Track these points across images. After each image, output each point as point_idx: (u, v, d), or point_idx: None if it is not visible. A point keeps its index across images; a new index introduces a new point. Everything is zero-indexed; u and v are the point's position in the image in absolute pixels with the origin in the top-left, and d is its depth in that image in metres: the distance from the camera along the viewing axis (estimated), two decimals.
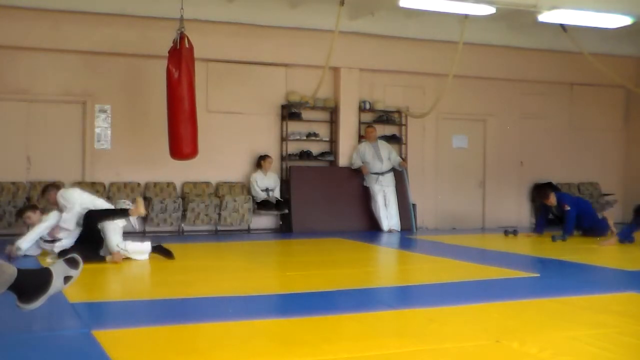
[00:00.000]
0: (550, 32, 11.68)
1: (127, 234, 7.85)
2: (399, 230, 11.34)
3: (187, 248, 9.24)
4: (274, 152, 11.44)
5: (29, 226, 7.86)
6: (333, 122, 11.87)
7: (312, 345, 3.87)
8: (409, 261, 8.65)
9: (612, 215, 10.54)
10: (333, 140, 11.85)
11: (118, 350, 3.67)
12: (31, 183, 10.18)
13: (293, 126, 11.56)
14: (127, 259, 7.32)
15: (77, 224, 7.59)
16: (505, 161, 13.03)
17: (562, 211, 10.19)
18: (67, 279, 3.86)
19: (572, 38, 10.40)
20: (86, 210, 7.43)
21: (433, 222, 12.55)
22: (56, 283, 3.78)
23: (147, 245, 7.45)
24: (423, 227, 12.23)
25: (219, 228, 10.91)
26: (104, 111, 10.57)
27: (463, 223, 12.71)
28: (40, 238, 7.55)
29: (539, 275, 6.86)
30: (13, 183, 10.08)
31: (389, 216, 11.37)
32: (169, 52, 9.45)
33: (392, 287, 6.46)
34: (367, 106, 11.96)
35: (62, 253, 7.05)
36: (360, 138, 11.81)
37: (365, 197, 11.60)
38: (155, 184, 10.76)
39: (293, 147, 11.61)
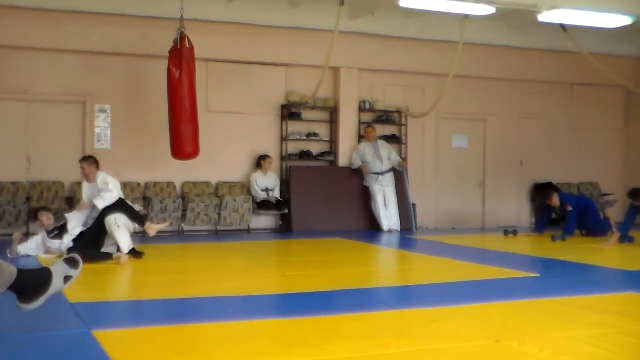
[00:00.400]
0: (550, 32, 11.68)
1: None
2: (399, 230, 11.34)
3: (187, 248, 9.26)
4: (274, 152, 11.44)
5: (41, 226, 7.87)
6: (333, 122, 11.88)
7: (312, 345, 3.87)
8: (409, 261, 8.65)
9: (613, 215, 10.53)
10: (333, 140, 11.85)
11: (118, 350, 3.67)
12: (31, 183, 10.18)
13: (293, 126, 11.56)
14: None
15: (85, 224, 7.63)
16: (505, 161, 13.03)
17: (565, 211, 10.20)
18: (67, 279, 3.86)
19: (572, 38, 10.40)
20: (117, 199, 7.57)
21: (433, 222, 12.55)
22: (56, 283, 3.78)
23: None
24: (423, 227, 12.23)
25: (219, 228, 10.91)
26: (104, 111, 10.57)
27: (463, 223, 12.71)
28: (49, 236, 7.55)
29: (539, 275, 6.86)
30: (13, 183, 10.08)
31: (389, 216, 11.37)
32: (169, 52, 9.45)
33: (392, 287, 6.46)
34: (367, 106, 11.96)
35: (71, 250, 7.20)
36: (360, 138, 11.82)
37: (365, 197, 11.60)
38: (155, 184, 10.76)
39: (293, 147, 11.61)
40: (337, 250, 8.99)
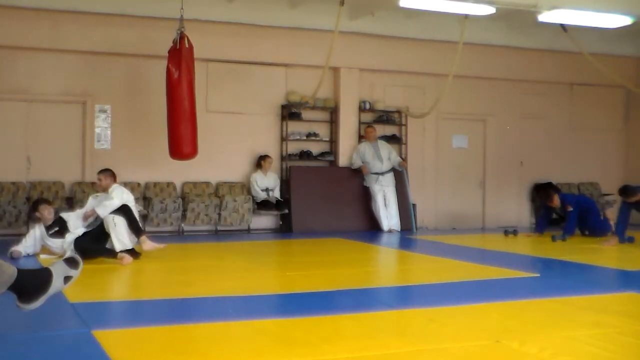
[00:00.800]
0: (550, 32, 11.68)
1: None
2: (399, 230, 11.34)
3: (187, 248, 9.25)
4: (274, 152, 11.44)
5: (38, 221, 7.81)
6: (333, 122, 11.87)
7: (312, 345, 3.87)
8: (409, 261, 8.65)
9: (613, 216, 10.52)
10: (333, 140, 11.85)
11: (118, 350, 3.67)
12: (31, 183, 10.18)
13: (293, 126, 11.56)
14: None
15: (88, 225, 7.63)
16: (505, 161, 13.03)
17: (565, 211, 10.20)
18: (67, 279, 3.85)
19: (572, 38, 10.39)
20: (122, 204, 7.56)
21: (433, 222, 12.55)
22: (56, 283, 3.78)
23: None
24: (423, 227, 12.23)
25: (219, 228, 10.91)
26: (104, 111, 10.57)
27: (463, 223, 12.71)
28: (48, 233, 7.53)
29: (539, 275, 6.86)
30: (13, 183, 10.08)
31: (389, 216, 11.37)
32: (168, 52, 9.46)
33: (392, 287, 6.46)
34: (367, 106, 11.96)
35: (77, 242, 7.27)
36: (360, 138, 11.82)
37: (365, 197, 11.60)
38: (155, 184, 10.76)
39: (293, 147, 11.61)
40: (337, 250, 8.99)
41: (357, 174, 11.60)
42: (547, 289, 6.04)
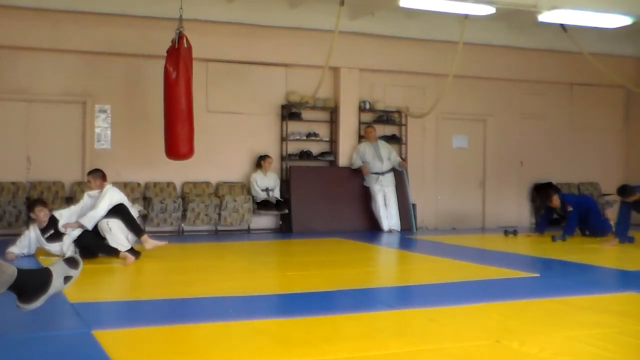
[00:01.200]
0: (550, 32, 11.68)
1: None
2: (399, 230, 11.34)
3: (187, 248, 9.25)
4: (274, 152, 11.44)
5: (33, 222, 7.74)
6: (333, 122, 11.87)
7: (312, 345, 3.87)
8: (409, 261, 8.65)
9: (613, 216, 10.52)
10: (333, 140, 11.85)
11: (118, 350, 3.67)
12: (31, 183, 10.18)
13: (293, 126, 11.56)
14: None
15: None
16: (505, 161, 13.03)
17: (565, 211, 10.20)
18: (67, 279, 3.85)
19: (572, 38, 10.39)
20: (116, 204, 7.50)
21: (433, 222, 12.55)
22: (56, 283, 3.78)
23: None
24: (423, 227, 12.23)
25: (219, 228, 10.91)
26: (104, 111, 10.57)
27: (463, 223, 12.71)
28: (44, 236, 7.51)
29: (539, 275, 6.86)
30: (13, 183, 10.08)
31: (389, 216, 11.37)
32: (167, 51, 9.45)
33: (392, 287, 6.46)
34: (367, 106, 11.96)
35: (79, 239, 7.25)
36: (360, 138, 11.82)
37: (365, 197, 11.60)
38: (155, 184, 10.76)
39: (293, 147, 11.61)
40: (337, 250, 8.99)
41: (357, 174, 11.60)
42: (547, 289, 6.03)
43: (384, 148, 11.57)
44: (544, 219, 10.81)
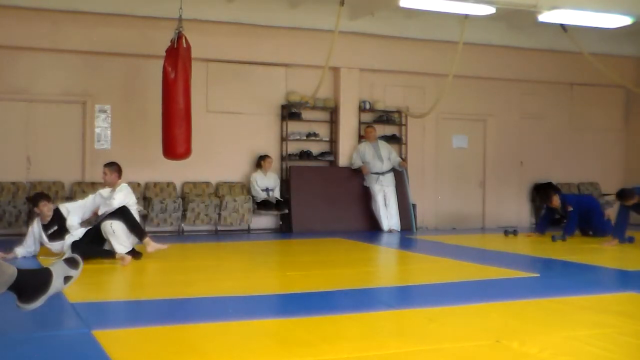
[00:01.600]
0: (550, 32, 11.68)
1: None
2: (399, 230, 11.34)
3: (187, 248, 9.25)
4: (274, 152, 11.44)
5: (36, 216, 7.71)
6: (333, 122, 11.87)
7: (312, 345, 3.87)
8: (409, 261, 8.64)
9: (613, 216, 10.52)
10: (333, 140, 11.85)
11: (118, 350, 3.67)
12: (31, 183, 10.18)
13: (293, 126, 11.56)
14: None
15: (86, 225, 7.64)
16: (505, 161, 13.03)
17: (566, 211, 10.21)
18: (67, 279, 3.85)
19: (572, 38, 10.39)
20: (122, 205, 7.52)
21: (433, 222, 12.55)
22: (56, 283, 3.78)
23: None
24: (423, 227, 12.23)
25: (219, 228, 10.91)
26: (104, 111, 10.57)
27: (463, 223, 12.71)
28: (47, 233, 7.48)
29: (539, 275, 6.86)
30: (13, 183, 10.08)
31: (389, 216, 11.36)
32: (166, 51, 9.44)
33: (392, 287, 6.46)
34: (367, 106, 11.96)
35: (76, 243, 7.25)
36: (360, 138, 11.82)
37: (365, 197, 11.60)
38: (155, 184, 10.76)
39: (293, 147, 11.61)
40: (337, 250, 8.99)
41: (357, 174, 11.60)
42: (547, 289, 6.03)
43: (384, 148, 11.57)
44: (544, 219, 10.81)
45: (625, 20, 9.87)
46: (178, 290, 5.77)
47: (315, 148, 11.75)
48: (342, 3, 9.32)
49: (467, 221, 12.78)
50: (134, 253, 7.38)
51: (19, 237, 8.49)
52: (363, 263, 8.03)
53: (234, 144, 11.19)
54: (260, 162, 11.16)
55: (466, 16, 9.65)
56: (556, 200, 10.32)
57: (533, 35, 12.39)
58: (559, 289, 5.93)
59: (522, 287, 6.10)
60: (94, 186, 10.10)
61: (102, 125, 10.55)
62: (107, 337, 3.93)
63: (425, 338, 4.10)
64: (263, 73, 11.34)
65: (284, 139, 11.53)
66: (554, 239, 9.74)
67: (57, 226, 7.50)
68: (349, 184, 11.64)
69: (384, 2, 10.55)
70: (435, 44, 11.82)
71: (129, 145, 10.58)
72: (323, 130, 11.85)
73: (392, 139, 12.01)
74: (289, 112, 11.48)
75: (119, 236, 7.32)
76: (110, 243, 7.34)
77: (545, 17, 9.52)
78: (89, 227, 7.60)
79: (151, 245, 7.45)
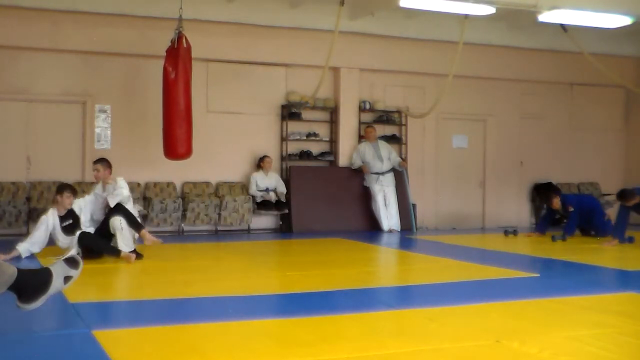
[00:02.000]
0: (550, 32, 11.68)
1: None
2: (399, 230, 11.34)
3: (187, 248, 9.25)
4: (274, 152, 11.44)
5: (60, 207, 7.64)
6: (333, 122, 11.87)
7: (312, 345, 3.87)
8: (409, 261, 8.64)
9: (613, 216, 10.52)
10: (333, 140, 11.85)
11: (118, 350, 3.67)
12: (31, 183, 10.18)
13: (293, 126, 11.56)
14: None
15: (92, 220, 7.65)
16: (505, 161, 13.03)
17: (567, 212, 10.21)
18: (67, 279, 3.85)
19: (572, 38, 10.40)
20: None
21: (433, 222, 12.55)
22: (56, 283, 3.78)
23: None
24: (423, 227, 12.23)
25: (219, 228, 10.91)
26: (104, 111, 10.57)
27: (463, 223, 12.71)
28: (62, 225, 7.46)
29: (539, 275, 6.86)
30: (13, 183, 10.08)
31: (389, 216, 11.36)
32: (166, 51, 9.44)
33: (392, 287, 6.46)
34: (367, 106, 11.96)
35: (83, 235, 7.30)
36: (361, 138, 11.82)
37: (365, 197, 11.60)
38: (155, 184, 10.76)
39: (293, 147, 11.61)
40: (337, 250, 8.98)
41: (357, 174, 11.60)
42: (547, 289, 6.03)
43: (384, 148, 11.57)
44: (545, 219, 10.81)
45: (625, 20, 9.87)
46: (178, 290, 5.77)
47: (315, 148, 11.75)
48: (342, 3, 9.32)
49: (467, 221, 12.78)
50: (136, 254, 7.40)
51: (19, 237, 8.49)
52: (363, 263, 8.03)
53: (234, 144, 11.19)
54: (260, 162, 11.16)
55: (466, 16, 9.65)
56: (557, 203, 10.32)
57: (533, 35, 12.39)
58: (559, 289, 5.93)
59: (522, 287, 6.10)
60: (94, 186, 10.10)
61: (102, 125, 10.55)
62: (107, 337, 3.92)
63: (425, 338, 4.10)
64: (263, 73, 11.34)
65: (284, 139, 11.53)
66: (554, 239, 9.74)
67: (71, 220, 7.52)
68: (349, 184, 11.64)
69: (384, 2, 10.55)
70: (435, 44, 11.82)
71: (129, 145, 10.58)
72: (323, 130, 11.85)
73: (392, 139, 12.01)
74: (289, 112, 11.48)
75: (125, 235, 7.38)
76: (116, 240, 7.37)
77: (545, 17, 9.52)
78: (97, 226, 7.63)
79: (148, 238, 7.50)
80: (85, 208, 7.71)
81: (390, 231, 11.24)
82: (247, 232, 11.07)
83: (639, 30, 11.77)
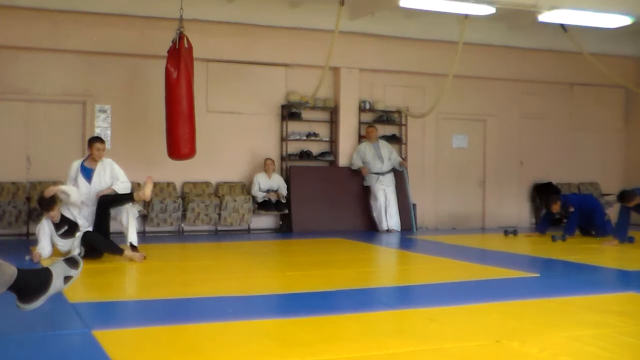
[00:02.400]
0: (550, 32, 11.69)
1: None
2: (399, 230, 11.34)
3: (187, 248, 9.25)
4: (274, 152, 11.44)
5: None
6: (333, 122, 11.87)
7: (312, 345, 3.87)
8: (409, 261, 8.64)
9: (613, 216, 10.52)
10: (333, 140, 11.85)
11: (118, 350, 3.67)
12: (31, 183, 10.18)
13: (293, 126, 11.56)
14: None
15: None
16: (505, 161, 13.03)
17: (568, 212, 10.21)
18: (67, 279, 3.86)
19: (572, 38, 10.40)
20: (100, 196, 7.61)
21: (433, 222, 12.55)
22: (56, 283, 3.79)
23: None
24: (423, 227, 12.23)
25: (219, 228, 10.91)
26: (104, 111, 10.57)
27: (463, 223, 12.71)
28: (58, 233, 7.43)
29: (539, 275, 6.86)
30: (13, 183, 10.08)
31: (389, 216, 11.36)
32: (167, 51, 9.46)
33: (392, 287, 6.46)
34: (367, 106, 11.96)
35: (86, 235, 7.32)
36: (361, 138, 11.82)
37: (365, 197, 11.60)
38: (155, 184, 10.73)
39: (293, 147, 11.61)
40: (337, 250, 8.99)
41: (357, 174, 11.60)
42: (547, 289, 6.03)
43: (385, 148, 11.56)
44: (545, 219, 10.80)
45: (625, 20, 9.87)
46: (178, 290, 5.77)
47: (315, 148, 11.75)
48: (342, 3, 9.33)
49: (467, 221, 12.78)
50: (134, 248, 7.43)
51: (19, 237, 8.51)
52: (363, 263, 8.04)
53: (234, 144, 11.19)
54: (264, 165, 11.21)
55: (466, 16, 9.65)
56: (557, 207, 10.30)
57: (533, 35, 12.38)
58: (559, 289, 5.94)
59: (522, 287, 6.10)
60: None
61: (102, 125, 10.55)
62: (107, 337, 3.92)
63: (425, 338, 4.10)
64: (263, 73, 11.34)
65: (284, 139, 11.53)
66: (554, 239, 9.74)
67: (67, 226, 7.49)
68: (349, 184, 11.64)
69: (384, 2, 10.54)
70: (435, 44, 11.82)
71: (129, 145, 10.57)
72: (323, 130, 11.85)
73: (392, 139, 12.01)
74: (289, 112, 11.48)
75: (132, 226, 7.51)
76: (127, 227, 7.52)
77: (545, 17, 9.53)
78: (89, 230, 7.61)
79: (140, 196, 7.64)
80: (84, 218, 7.66)
81: (390, 231, 11.23)
82: (247, 232, 11.07)
83: (639, 30, 11.77)
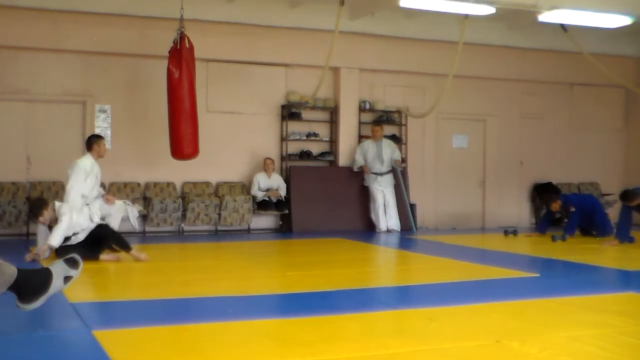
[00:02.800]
0: (550, 32, 11.69)
1: (128, 234, 7.85)
2: (399, 230, 11.34)
3: (187, 248, 9.25)
4: (274, 152, 11.44)
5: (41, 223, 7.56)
6: (333, 122, 11.87)
7: (312, 345, 3.87)
8: (408, 261, 8.64)
9: (613, 216, 10.53)
10: (333, 140, 11.85)
11: (118, 350, 3.67)
12: (31, 183, 10.18)
13: (293, 126, 11.56)
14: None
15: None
16: (505, 161, 13.03)
17: (568, 212, 10.21)
18: (67, 279, 3.86)
19: (572, 38, 10.40)
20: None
21: (433, 222, 12.55)
22: (56, 283, 3.78)
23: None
24: (423, 227, 12.23)
25: (219, 228, 10.91)
26: (104, 111, 10.57)
27: (463, 223, 12.71)
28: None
29: (539, 275, 6.86)
30: (13, 183, 10.08)
31: (388, 216, 11.36)
32: (169, 52, 9.47)
33: (392, 287, 6.46)
34: (367, 106, 11.96)
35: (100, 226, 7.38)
36: (361, 138, 11.82)
37: (365, 197, 11.59)
38: (155, 184, 10.76)
39: (293, 147, 11.61)
40: (337, 250, 8.99)
41: (357, 174, 11.60)
42: (547, 289, 6.03)
43: (387, 148, 11.51)
44: (545, 219, 10.80)
45: (625, 20, 9.87)
46: (178, 290, 5.77)
47: (315, 148, 11.75)
48: (342, 3, 9.33)
49: (467, 221, 12.78)
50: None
51: (19, 237, 8.51)
52: (363, 263, 8.04)
53: (234, 144, 11.19)
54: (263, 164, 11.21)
55: (466, 16, 9.65)
56: (556, 206, 10.30)
57: (533, 35, 12.39)
58: (559, 289, 5.93)
59: (522, 287, 6.10)
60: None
61: (102, 125, 10.54)
62: (107, 337, 3.92)
63: (425, 338, 4.10)
64: (263, 73, 11.34)
65: (284, 139, 11.53)
66: (554, 239, 9.74)
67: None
68: (349, 184, 11.64)
69: (384, 2, 10.54)
70: (435, 44, 11.82)
71: (129, 145, 10.58)
72: (323, 130, 11.85)
73: (392, 139, 11.99)
74: (289, 112, 11.48)
75: (134, 213, 7.86)
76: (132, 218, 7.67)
77: (545, 17, 9.53)
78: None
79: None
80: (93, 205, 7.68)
81: (389, 231, 11.23)
82: (247, 232, 11.07)
83: (639, 30, 11.77)
